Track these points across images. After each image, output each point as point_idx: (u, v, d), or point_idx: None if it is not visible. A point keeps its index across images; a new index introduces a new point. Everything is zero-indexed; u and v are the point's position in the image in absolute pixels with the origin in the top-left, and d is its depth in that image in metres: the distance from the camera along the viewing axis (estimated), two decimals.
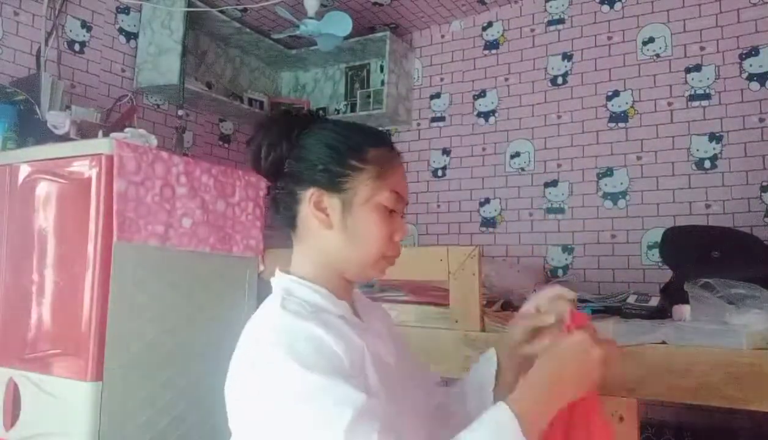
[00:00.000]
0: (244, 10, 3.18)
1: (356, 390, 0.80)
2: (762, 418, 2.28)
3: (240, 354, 0.89)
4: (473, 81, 3.31)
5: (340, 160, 0.95)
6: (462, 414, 1.05)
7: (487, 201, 3.19)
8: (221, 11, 3.11)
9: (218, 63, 3.42)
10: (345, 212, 0.94)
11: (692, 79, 2.74)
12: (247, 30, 3.28)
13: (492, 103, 3.24)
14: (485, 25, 3.31)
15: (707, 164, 2.68)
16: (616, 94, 2.90)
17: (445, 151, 3.36)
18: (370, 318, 1.05)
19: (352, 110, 3.54)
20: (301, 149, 0.96)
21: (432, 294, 2.05)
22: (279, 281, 1.00)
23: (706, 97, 2.71)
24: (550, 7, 3.12)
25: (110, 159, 1.73)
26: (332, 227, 0.95)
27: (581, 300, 2.10)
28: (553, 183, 3.02)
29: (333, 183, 0.94)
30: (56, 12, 2.60)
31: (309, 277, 0.98)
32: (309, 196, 0.95)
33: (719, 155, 2.66)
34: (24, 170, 1.89)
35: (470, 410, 1.05)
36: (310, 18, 2.74)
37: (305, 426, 0.79)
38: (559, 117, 3.04)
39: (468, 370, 1.26)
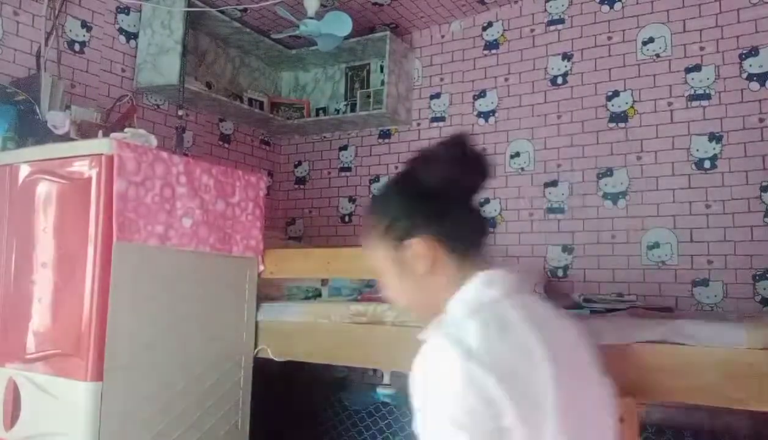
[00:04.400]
0: (244, 10, 3.18)
1: None
2: (762, 418, 2.28)
3: None
4: (473, 81, 3.31)
5: None
6: None
7: (487, 201, 3.19)
8: (221, 11, 3.11)
9: (218, 63, 3.42)
10: None
11: (692, 79, 2.74)
12: (247, 30, 3.28)
13: (492, 103, 3.24)
14: (485, 25, 3.31)
15: (707, 164, 2.68)
16: (616, 94, 2.90)
17: None
18: None
19: (352, 110, 3.54)
20: None
21: None
22: None
23: (706, 97, 2.71)
24: (550, 7, 3.12)
25: (110, 159, 1.74)
26: None
27: (584, 300, 2.10)
28: (553, 183, 3.02)
29: None
30: (56, 12, 2.60)
31: None
32: None
33: (719, 155, 2.66)
34: (24, 170, 1.89)
35: None
36: (310, 18, 2.74)
37: None
38: (559, 117, 3.04)
39: None
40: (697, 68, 2.74)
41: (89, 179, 1.74)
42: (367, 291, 2.26)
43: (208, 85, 3.24)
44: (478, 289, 1.03)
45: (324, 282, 2.39)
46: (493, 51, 3.27)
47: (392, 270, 1.10)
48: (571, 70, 3.03)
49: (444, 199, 1.06)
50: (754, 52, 2.63)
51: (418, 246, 1.05)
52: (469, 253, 1.07)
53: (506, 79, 3.21)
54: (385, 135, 3.57)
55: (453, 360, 0.90)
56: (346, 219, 3.63)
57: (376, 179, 3.56)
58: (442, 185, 1.07)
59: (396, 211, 1.09)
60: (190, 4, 2.88)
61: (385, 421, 2.78)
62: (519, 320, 0.98)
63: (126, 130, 1.99)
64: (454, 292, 1.03)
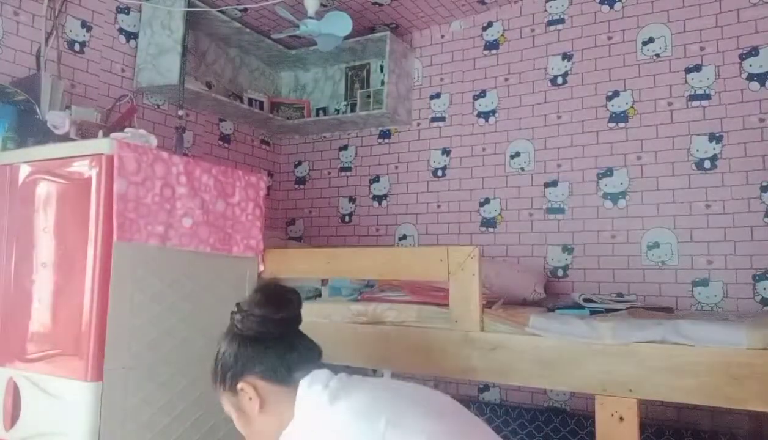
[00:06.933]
0: (244, 10, 3.18)
1: None
2: (762, 418, 2.28)
3: None
4: (473, 81, 3.32)
5: None
6: None
7: (487, 201, 3.19)
8: (221, 11, 3.11)
9: (218, 63, 3.42)
10: None
11: (692, 79, 2.75)
12: (247, 30, 3.28)
13: (492, 103, 3.24)
14: (485, 25, 3.31)
15: (707, 164, 2.68)
16: (616, 94, 2.90)
17: (445, 151, 3.36)
18: None
19: (352, 110, 3.54)
20: None
21: (432, 294, 2.05)
22: None
23: (706, 97, 2.71)
24: (550, 7, 3.12)
25: (110, 159, 1.73)
26: None
27: (584, 300, 2.10)
28: (553, 183, 3.02)
29: None
30: (56, 12, 2.60)
31: None
32: None
33: (719, 155, 2.66)
34: (24, 170, 1.89)
35: None
36: (310, 18, 2.74)
37: None
38: (559, 117, 3.04)
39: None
40: (697, 68, 2.74)
41: (89, 179, 1.74)
42: (367, 291, 2.25)
43: (208, 85, 3.24)
44: (308, 393, 1.17)
45: (324, 282, 2.39)
46: (493, 51, 3.27)
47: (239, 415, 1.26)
48: (571, 70, 3.03)
49: (261, 340, 1.24)
50: (754, 52, 2.63)
51: (247, 388, 1.21)
52: (292, 378, 1.21)
53: (506, 79, 3.21)
54: (385, 135, 3.57)
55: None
56: (346, 219, 3.63)
57: (376, 179, 3.56)
58: (257, 329, 1.24)
59: (225, 364, 1.27)
60: (190, 4, 2.88)
61: None
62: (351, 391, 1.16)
63: (126, 130, 1.99)
64: (290, 414, 1.18)
